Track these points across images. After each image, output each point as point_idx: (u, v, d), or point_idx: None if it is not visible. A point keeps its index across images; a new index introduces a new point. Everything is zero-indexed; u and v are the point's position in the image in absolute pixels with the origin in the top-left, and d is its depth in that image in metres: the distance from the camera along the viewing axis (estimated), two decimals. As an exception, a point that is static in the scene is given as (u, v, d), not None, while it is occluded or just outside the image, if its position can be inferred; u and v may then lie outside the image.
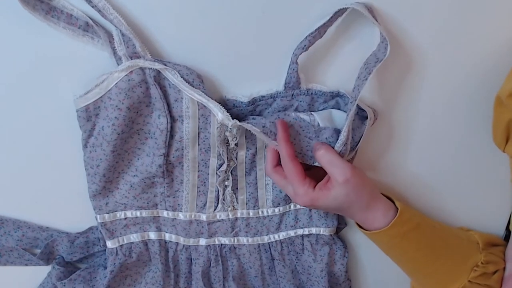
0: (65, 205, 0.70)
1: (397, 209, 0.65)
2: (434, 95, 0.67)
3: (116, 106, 0.60)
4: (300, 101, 0.65)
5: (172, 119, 0.62)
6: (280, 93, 0.64)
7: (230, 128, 0.62)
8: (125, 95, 0.60)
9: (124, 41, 0.59)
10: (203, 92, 0.61)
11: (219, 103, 0.62)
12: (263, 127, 0.62)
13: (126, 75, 0.59)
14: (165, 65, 0.60)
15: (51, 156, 0.67)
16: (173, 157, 0.64)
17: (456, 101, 0.68)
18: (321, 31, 0.61)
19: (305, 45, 0.61)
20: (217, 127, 0.63)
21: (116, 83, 0.59)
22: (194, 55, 0.63)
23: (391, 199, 0.67)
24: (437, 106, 0.68)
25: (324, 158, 0.61)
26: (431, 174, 0.72)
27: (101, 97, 0.60)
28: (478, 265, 0.68)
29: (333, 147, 0.62)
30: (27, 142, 0.66)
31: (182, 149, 0.64)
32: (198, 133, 0.63)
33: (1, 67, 0.62)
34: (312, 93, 0.65)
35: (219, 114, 0.61)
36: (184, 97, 0.61)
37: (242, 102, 0.65)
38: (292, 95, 0.64)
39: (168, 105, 0.62)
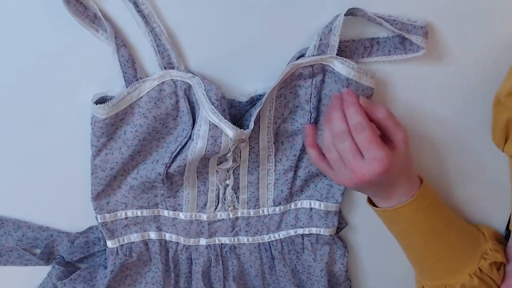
0: (65, 205, 0.70)
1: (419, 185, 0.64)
2: (432, 95, 0.67)
3: (143, 114, 0.61)
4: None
5: (191, 137, 0.62)
6: None
7: (243, 139, 0.62)
8: (154, 104, 0.61)
9: (159, 51, 0.60)
10: (217, 110, 0.59)
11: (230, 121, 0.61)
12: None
13: (158, 85, 0.60)
14: (195, 76, 0.60)
15: (51, 156, 0.67)
16: (174, 170, 0.64)
17: (456, 100, 0.68)
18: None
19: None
20: (231, 144, 0.62)
21: (148, 92, 0.60)
22: (191, 55, 0.63)
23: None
24: (436, 106, 0.68)
25: (386, 120, 0.58)
26: (431, 173, 0.72)
27: (130, 104, 0.61)
28: (487, 252, 0.68)
29: None
30: (27, 142, 0.66)
31: (184, 166, 0.64)
32: (204, 154, 0.63)
33: (3, 67, 0.62)
34: None
35: (231, 133, 0.60)
36: (200, 115, 0.61)
37: (240, 102, 0.65)
38: None
39: (194, 121, 0.62)
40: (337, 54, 0.61)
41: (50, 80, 0.63)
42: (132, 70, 0.61)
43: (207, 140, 0.61)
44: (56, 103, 0.64)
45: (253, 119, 0.61)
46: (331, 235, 0.72)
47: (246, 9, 0.61)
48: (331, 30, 0.60)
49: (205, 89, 0.59)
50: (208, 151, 0.62)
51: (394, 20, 0.60)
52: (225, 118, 0.59)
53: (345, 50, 0.63)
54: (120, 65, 0.61)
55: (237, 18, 0.61)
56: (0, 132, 0.65)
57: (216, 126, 0.60)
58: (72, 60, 0.62)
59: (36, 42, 0.61)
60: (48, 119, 0.65)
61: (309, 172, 0.69)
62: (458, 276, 0.68)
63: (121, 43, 0.60)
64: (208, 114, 0.59)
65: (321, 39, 0.61)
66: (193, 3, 0.60)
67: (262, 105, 0.61)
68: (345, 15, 0.59)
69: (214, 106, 0.59)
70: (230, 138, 0.61)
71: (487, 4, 0.62)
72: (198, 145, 0.61)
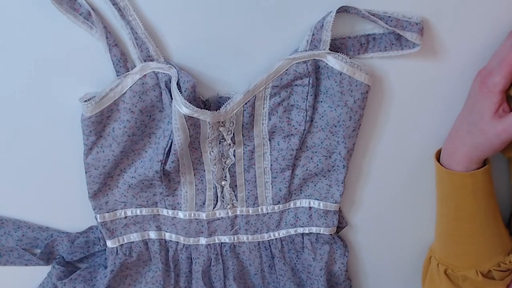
0: (65, 205, 0.71)
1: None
2: (429, 90, 0.67)
3: (129, 109, 0.61)
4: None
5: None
6: None
7: (223, 122, 0.62)
8: (139, 98, 0.61)
9: (137, 44, 0.61)
10: (189, 102, 0.60)
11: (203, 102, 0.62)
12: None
13: (140, 78, 0.61)
14: (173, 67, 0.60)
15: (51, 156, 0.68)
16: (169, 167, 0.64)
17: (452, 96, 0.68)
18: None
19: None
20: (209, 127, 0.63)
21: (131, 87, 0.61)
22: (186, 54, 0.63)
23: None
24: (433, 102, 0.68)
25: None
26: (427, 170, 0.72)
27: (115, 100, 0.61)
28: (505, 261, 0.68)
29: None
30: (27, 142, 0.67)
31: (177, 160, 0.65)
32: (190, 141, 0.64)
33: (1, 69, 0.63)
34: None
35: (208, 118, 0.62)
36: (173, 109, 0.61)
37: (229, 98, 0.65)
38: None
39: None
40: (333, 51, 0.62)
41: (50, 80, 0.63)
42: (124, 69, 0.62)
43: (188, 129, 0.62)
44: (56, 103, 0.64)
45: (231, 102, 0.63)
46: (331, 234, 0.72)
47: (245, 7, 0.61)
48: (323, 25, 0.61)
49: (178, 81, 0.60)
50: (192, 136, 0.62)
51: (389, 16, 0.61)
52: (198, 106, 0.60)
53: (341, 47, 0.63)
54: (113, 64, 0.61)
55: (236, 17, 0.62)
56: (0, 132, 0.66)
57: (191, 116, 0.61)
58: (70, 60, 0.62)
59: (32, 43, 0.61)
60: (49, 119, 0.65)
61: (307, 170, 0.69)
62: (472, 267, 0.68)
63: (113, 42, 0.61)
64: (181, 108, 0.59)
65: (313, 34, 0.61)
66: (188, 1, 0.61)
67: (247, 93, 0.62)
68: (339, 12, 0.60)
69: (184, 97, 0.59)
70: (209, 122, 0.62)
71: (486, 2, 0.62)
72: (181, 136, 0.62)
